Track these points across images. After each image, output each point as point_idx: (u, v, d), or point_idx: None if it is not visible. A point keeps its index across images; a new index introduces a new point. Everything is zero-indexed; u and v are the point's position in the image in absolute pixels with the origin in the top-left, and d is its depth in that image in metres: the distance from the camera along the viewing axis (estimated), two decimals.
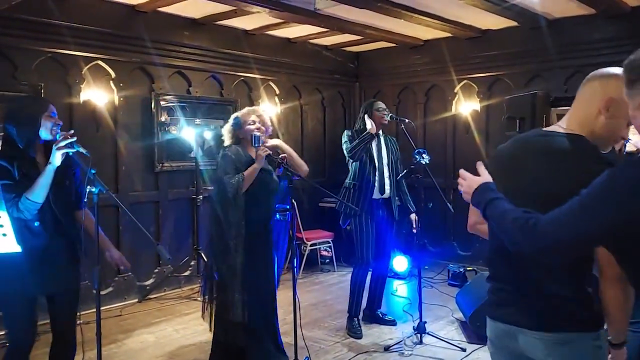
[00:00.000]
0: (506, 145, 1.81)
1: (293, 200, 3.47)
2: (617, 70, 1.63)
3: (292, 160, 3.53)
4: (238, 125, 3.46)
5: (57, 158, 2.53)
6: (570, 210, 1.38)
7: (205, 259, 3.53)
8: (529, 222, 1.42)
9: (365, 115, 4.39)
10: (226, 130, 3.53)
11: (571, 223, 1.37)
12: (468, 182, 1.68)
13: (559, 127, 1.68)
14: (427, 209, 5.94)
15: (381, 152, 4.45)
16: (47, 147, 2.63)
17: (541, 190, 1.57)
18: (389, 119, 4.43)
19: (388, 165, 4.46)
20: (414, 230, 4.61)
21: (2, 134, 2.65)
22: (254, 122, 3.44)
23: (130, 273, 5.26)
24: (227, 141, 3.52)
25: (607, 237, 1.40)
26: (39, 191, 2.48)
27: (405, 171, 4.51)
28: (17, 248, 2.37)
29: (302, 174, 3.54)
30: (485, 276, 4.93)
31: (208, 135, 5.76)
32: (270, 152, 3.33)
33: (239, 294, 3.29)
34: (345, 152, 4.37)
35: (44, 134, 2.60)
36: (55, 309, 2.72)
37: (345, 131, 4.47)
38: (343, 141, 4.38)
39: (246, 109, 3.59)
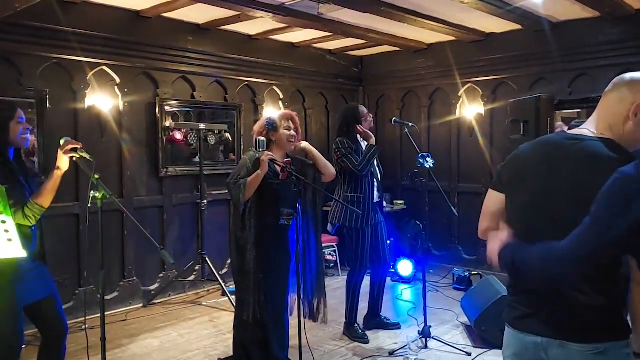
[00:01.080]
0: (529, 147, 1.77)
1: (298, 205, 3.45)
2: None
3: (317, 162, 3.53)
4: (272, 127, 3.39)
5: (64, 163, 2.54)
6: (584, 226, 1.43)
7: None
8: (551, 249, 1.48)
9: (359, 127, 4.30)
10: (256, 130, 3.45)
11: (586, 238, 1.42)
12: (490, 248, 1.74)
13: (587, 130, 1.68)
14: (430, 214, 5.91)
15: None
16: (18, 153, 2.64)
17: (580, 195, 1.55)
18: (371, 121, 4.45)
19: (377, 167, 4.46)
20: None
21: None
22: (290, 129, 3.42)
23: (135, 278, 5.27)
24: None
25: (625, 246, 1.42)
26: (48, 196, 2.49)
27: (409, 175, 4.50)
28: (22, 253, 2.36)
29: (328, 176, 3.56)
30: (490, 280, 4.91)
31: (212, 140, 5.78)
32: (274, 157, 3.32)
33: (252, 295, 3.29)
34: (342, 163, 4.20)
35: (14, 140, 2.58)
36: (45, 315, 2.72)
37: (338, 140, 4.28)
38: (342, 153, 4.19)
39: (282, 112, 3.53)
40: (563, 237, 1.54)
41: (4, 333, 2.57)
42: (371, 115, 4.51)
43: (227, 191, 3.36)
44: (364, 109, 4.46)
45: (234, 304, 3.61)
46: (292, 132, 3.43)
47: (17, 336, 2.60)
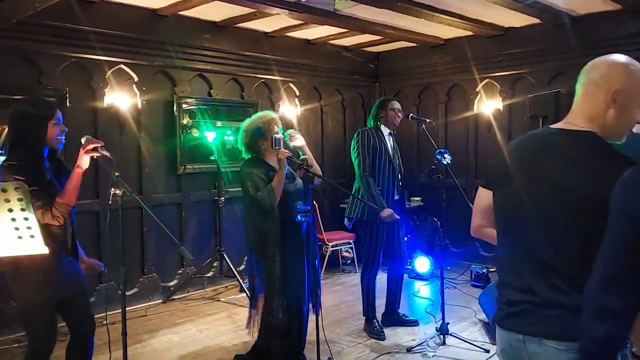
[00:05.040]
0: (515, 143, 1.76)
1: (314, 202, 3.45)
2: (614, 58, 1.60)
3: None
4: (262, 136, 3.37)
5: (85, 161, 2.58)
6: (602, 248, 1.32)
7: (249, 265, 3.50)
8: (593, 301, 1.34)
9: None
10: (248, 139, 3.40)
11: (608, 257, 1.30)
12: None
13: (570, 124, 1.63)
14: (447, 210, 5.87)
15: (395, 153, 4.44)
16: (52, 152, 2.67)
17: (561, 190, 1.54)
18: (399, 121, 4.43)
19: (399, 165, 4.45)
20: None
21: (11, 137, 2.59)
22: (277, 132, 3.41)
23: (154, 274, 5.33)
24: (245, 151, 3.44)
25: None
26: (72, 195, 2.53)
27: (426, 171, 4.47)
28: (44, 250, 2.39)
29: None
30: None
31: (229, 137, 5.80)
32: (291, 155, 3.33)
33: (278, 299, 3.29)
34: (353, 159, 4.30)
35: (50, 141, 2.60)
36: (76, 310, 2.77)
37: (360, 131, 4.36)
38: (357, 151, 4.27)
39: (265, 117, 3.43)
40: (543, 233, 1.54)
41: (40, 327, 2.63)
42: (400, 112, 4.45)
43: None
44: (396, 104, 4.44)
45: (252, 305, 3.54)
46: (281, 135, 3.39)
47: (53, 330, 2.66)
